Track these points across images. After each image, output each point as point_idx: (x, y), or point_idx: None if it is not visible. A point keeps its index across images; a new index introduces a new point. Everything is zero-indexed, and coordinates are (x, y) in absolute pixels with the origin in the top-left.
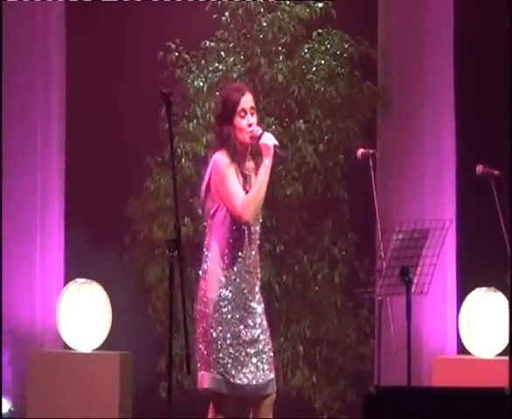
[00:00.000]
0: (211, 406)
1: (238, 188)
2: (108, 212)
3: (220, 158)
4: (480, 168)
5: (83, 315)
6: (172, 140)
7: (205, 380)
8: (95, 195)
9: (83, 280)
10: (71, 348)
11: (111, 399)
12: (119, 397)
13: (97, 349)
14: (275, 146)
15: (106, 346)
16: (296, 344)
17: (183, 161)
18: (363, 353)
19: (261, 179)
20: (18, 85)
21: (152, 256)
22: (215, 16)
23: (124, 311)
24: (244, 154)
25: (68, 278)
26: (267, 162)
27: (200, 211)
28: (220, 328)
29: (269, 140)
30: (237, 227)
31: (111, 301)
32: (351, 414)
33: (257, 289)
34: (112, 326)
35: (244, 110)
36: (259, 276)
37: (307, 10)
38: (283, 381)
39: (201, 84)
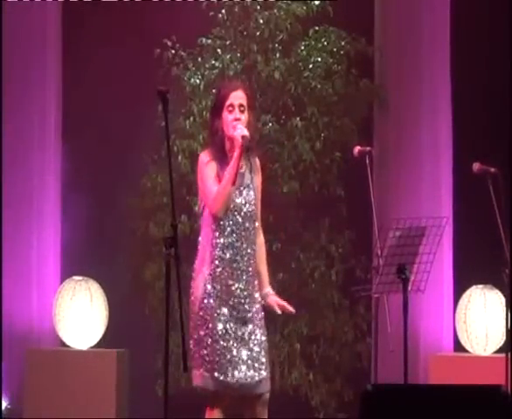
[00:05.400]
0: (208, 406)
1: (212, 183)
2: (105, 209)
3: (201, 157)
4: (476, 166)
5: (80, 313)
6: (169, 138)
7: (194, 377)
8: (92, 192)
9: (80, 278)
10: (67, 346)
11: (107, 396)
12: (115, 395)
13: (94, 347)
14: (243, 136)
15: (102, 343)
16: (293, 342)
17: (179, 158)
18: (359, 350)
19: (228, 172)
20: (15, 84)
21: (149, 253)
22: (211, 13)
23: (121, 308)
24: (232, 150)
25: (65, 275)
26: (235, 154)
27: (196, 209)
28: (206, 325)
29: (238, 131)
30: (222, 224)
31: (107, 299)
32: (348, 411)
33: (251, 286)
34: (108, 323)
35: (232, 105)
36: (253, 272)
37: (304, 8)
38: (280, 379)
39: (197, 81)
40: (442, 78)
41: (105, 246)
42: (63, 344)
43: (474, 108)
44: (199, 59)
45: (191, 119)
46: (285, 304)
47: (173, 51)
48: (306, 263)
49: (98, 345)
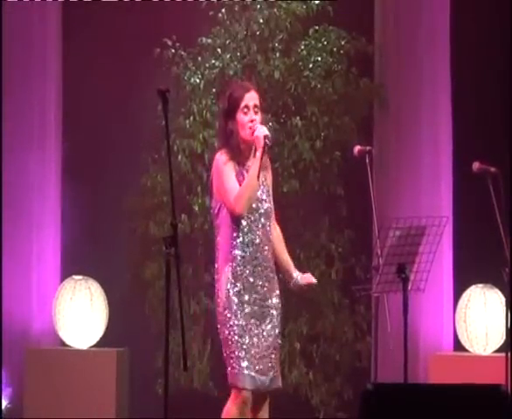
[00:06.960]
0: (232, 395)
1: (233, 183)
2: (105, 209)
3: (218, 157)
4: (476, 165)
5: (79, 312)
6: (169, 137)
7: (231, 376)
8: (92, 191)
9: (80, 277)
10: (67, 345)
11: (107, 396)
12: (115, 394)
13: (94, 346)
14: (265, 136)
15: (102, 342)
16: (293, 341)
17: (179, 157)
18: (359, 349)
19: (251, 171)
20: (15, 83)
21: (149, 253)
22: (211, 13)
23: (121, 307)
24: (247, 151)
25: (65, 274)
26: (258, 154)
27: (196, 208)
28: (231, 323)
29: (260, 131)
30: (241, 223)
31: (107, 298)
32: (348, 410)
33: (271, 282)
34: (108, 322)
35: (247, 106)
36: (272, 268)
37: (304, 7)
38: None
39: (197, 81)
40: (442, 77)
41: (105, 246)
42: (63, 343)
43: (474, 107)
44: (199, 59)
45: (191, 118)
46: (309, 276)
47: (173, 51)
48: (306, 262)
49: (98, 344)
